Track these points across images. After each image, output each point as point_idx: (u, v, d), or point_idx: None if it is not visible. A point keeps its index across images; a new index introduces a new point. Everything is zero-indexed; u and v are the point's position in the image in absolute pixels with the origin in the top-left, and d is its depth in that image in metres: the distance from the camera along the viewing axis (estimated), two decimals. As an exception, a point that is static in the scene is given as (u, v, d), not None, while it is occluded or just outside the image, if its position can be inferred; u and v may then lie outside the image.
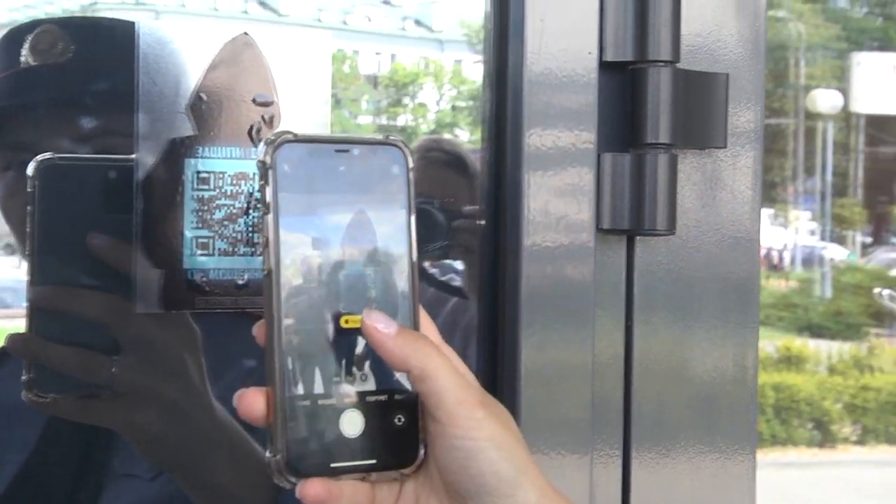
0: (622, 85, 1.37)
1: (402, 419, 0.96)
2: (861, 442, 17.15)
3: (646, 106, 1.35)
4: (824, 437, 17.19)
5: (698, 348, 1.44)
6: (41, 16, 1.41)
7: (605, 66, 1.37)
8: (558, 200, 1.36)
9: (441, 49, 19.32)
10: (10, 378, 1.37)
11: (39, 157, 1.28)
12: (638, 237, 1.40)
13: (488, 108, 1.43)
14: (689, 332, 1.44)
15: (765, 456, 16.34)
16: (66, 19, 1.44)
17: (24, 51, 1.42)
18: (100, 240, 1.30)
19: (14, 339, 1.30)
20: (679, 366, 1.44)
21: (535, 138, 1.35)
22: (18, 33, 1.45)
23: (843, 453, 16.95)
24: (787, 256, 34.05)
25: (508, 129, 1.37)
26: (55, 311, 1.30)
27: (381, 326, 0.95)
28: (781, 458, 16.24)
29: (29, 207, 1.29)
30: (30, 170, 1.27)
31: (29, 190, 1.28)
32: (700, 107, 1.39)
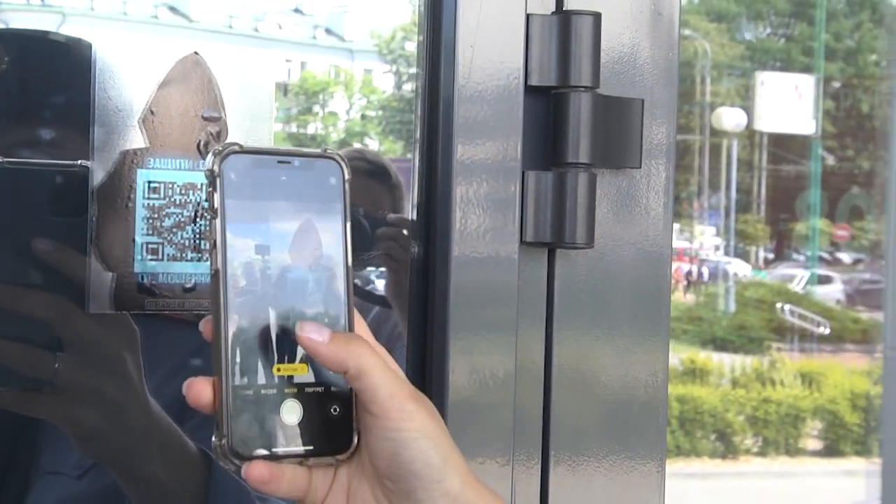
0: (546, 108, 1.40)
1: (338, 409, 0.99)
2: (762, 453, 17.16)
3: (567, 128, 1.38)
4: (727, 448, 17.17)
5: (613, 358, 1.46)
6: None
7: (529, 91, 1.39)
8: (485, 214, 1.38)
9: (352, 58, 18.92)
10: None
11: None
12: (559, 250, 1.42)
13: (421, 127, 1.44)
14: (605, 342, 1.46)
15: (669, 466, 16.26)
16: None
17: None
18: (46, 243, 1.30)
19: None
20: (595, 374, 1.46)
21: (464, 156, 1.37)
22: None
23: (745, 464, 16.95)
24: (695, 271, 33.96)
25: (439, 147, 1.39)
26: (1, 309, 1.31)
27: (314, 336, 0.97)
28: (685, 469, 16.21)
29: None
30: None
31: None
32: (617, 129, 1.42)
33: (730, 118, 33.28)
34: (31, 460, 1.59)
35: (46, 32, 1.50)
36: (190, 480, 1.44)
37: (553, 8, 1.41)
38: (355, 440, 0.99)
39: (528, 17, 1.40)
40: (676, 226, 35.74)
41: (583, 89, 1.39)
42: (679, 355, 20.58)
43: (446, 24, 1.39)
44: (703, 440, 17.03)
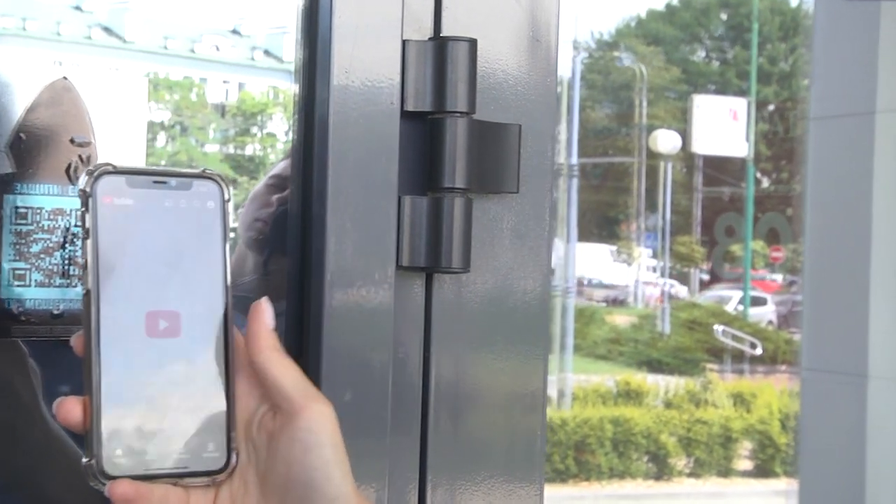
0: (422, 133, 1.40)
1: (213, 430, 0.98)
2: (694, 474, 17.23)
3: (443, 153, 1.38)
4: (660, 469, 17.24)
5: (491, 381, 1.47)
6: None
7: (406, 115, 1.39)
8: (361, 238, 1.38)
9: (291, 79, 18.87)
10: None
11: None
12: (436, 274, 1.42)
13: (296, 149, 1.45)
14: (483, 366, 1.47)
15: (602, 488, 16.39)
16: None
17: None
18: None
19: None
20: (473, 399, 1.46)
21: (340, 180, 1.37)
22: None
23: (678, 486, 17.00)
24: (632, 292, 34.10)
25: (315, 171, 1.39)
26: None
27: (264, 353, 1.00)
28: (619, 491, 16.26)
29: None
30: None
31: None
32: (494, 154, 1.42)
33: (666, 141, 33.47)
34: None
35: None
36: (94, 499, 1.42)
37: (430, 34, 1.42)
38: (233, 460, 0.99)
39: (404, 42, 1.39)
40: (614, 247, 36.00)
41: (459, 115, 1.39)
42: (615, 377, 20.65)
43: (322, 48, 1.39)
44: (636, 462, 17.08)
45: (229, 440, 0.99)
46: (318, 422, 1.00)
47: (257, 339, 1.01)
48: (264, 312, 1.01)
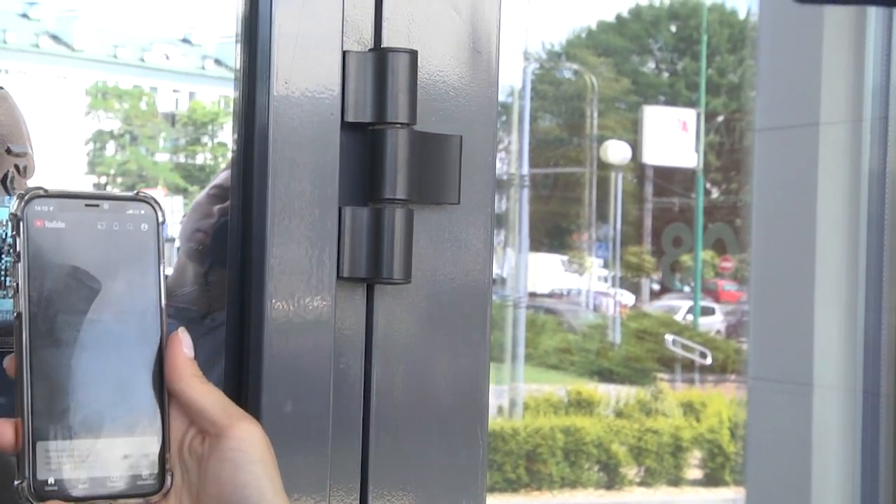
0: (363, 144, 1.40)
1: (151, 447, 0.98)
2: (645, 483, 17.32)
3: (384, 164, 1.39)
4: (611, 478, 17.31)
5: (433, 390, 1.47)
6: None
7: (346, 127, 1.39)
8: (301, 249, 1.38)
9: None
10: None
11: None
12: (377, 285, 1.42)
13: (238, 161, 1.44)
14: (425, 375, 1.47)
15: (553, 497, 16.43)
16: None
17: None
18: None
19: None
20: (414, 407, 1.46)
21: (281, 191, 1.36)
22: None
23: (629, 494, 17.08)
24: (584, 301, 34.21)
25: (255, 182, 1.38)
26: None
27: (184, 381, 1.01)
28: (570, 500, 16.31)
29: None
30: None
31: None
32: (435, 165, 1.42)
33: (616, 151, 33.59)
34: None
35: None
36: None
37: (370, 45, 1.42)
38: (168, 482, 0.99)
39: (344, 53, 1.40)
40: (566, 257, 36.06)
41: (399, 126, 1.39)
42: (566, 386, 20.70)
43: (262, 57, 1.39)
44: (587, 471, 17.14)
45: (163, 462, 0.99)
46: (245, 440, 1.01)
47: (176, 367, 1.01)
48: (182, 342, 1.01)
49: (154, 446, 0.99)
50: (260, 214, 1.38)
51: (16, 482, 0.94)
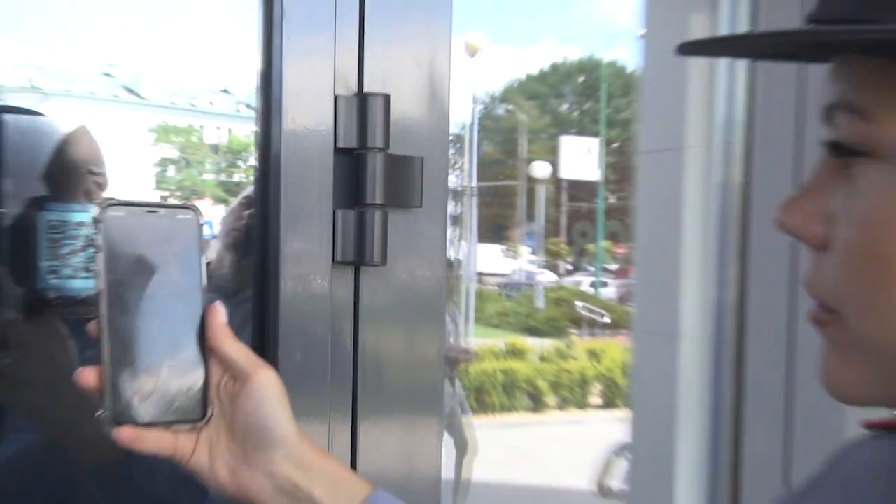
0: (351, 163, 1.39)
1: (196, 387, 0.98)
2: (560, 408, 17.47)
3: (366, 178, 1.38)
4: (536, 405, 17.40)
5: (404, 346, 1.47)
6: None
7: (338, 151, 1.38)
8: (305, 241, 1.38)
9: None
10: None
11: None
12: (362, 267, 1.41)
13: (261, 178, 1.44)
14: (398, 335, 1.46)
15: (495, 419, 16.49)
16: None
17: None
18: None
19: None
20: (391, 359, 1.45)
21: (290, 199, 1.36)
22: None
23: (549, 416, 17.19)
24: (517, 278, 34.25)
25: (272, 194, 1.38)
26: None
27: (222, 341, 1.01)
28: (507, 421, 16.39)
29: None
30: None
31: None
32: (403, 179, 1.41)
33: (541, 169, 33.75)
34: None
35: None
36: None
37: (355, 91, 1.40)
38: (210, 411, 0.99)
39: (336, 97, 1.39)
40: (504, 246, 36.11)
41: (377, 150, 1.39)
42: (504, 339, 20.79)
43: (275, 102, 1.38)
44: (520, 399, 17.23)
45: (205, 398, 0.99)
46: (264, 383, 1.01)
47: (214, 329, 1.01)
48: (218, 312, 1.01)
49: (198, 386, 0.99)
50: (275, 217, 1.37)
51: (98, 413, 0.93)
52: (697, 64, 2.17)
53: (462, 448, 8.36)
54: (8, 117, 1.36)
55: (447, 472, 8.17)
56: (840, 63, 0.69)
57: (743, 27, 1.80)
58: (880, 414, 0.80)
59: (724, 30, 1.82)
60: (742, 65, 1.85)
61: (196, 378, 0.99)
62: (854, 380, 0.70)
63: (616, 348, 19.42)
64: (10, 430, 1.44)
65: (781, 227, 0.72)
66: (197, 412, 0.98)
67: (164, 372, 0.98)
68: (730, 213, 1.80)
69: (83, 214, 1.33)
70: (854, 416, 0.85)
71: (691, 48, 0.74)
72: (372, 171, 1.39)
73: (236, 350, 1.01)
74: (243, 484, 1.00)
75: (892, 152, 0.65)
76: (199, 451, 0.99)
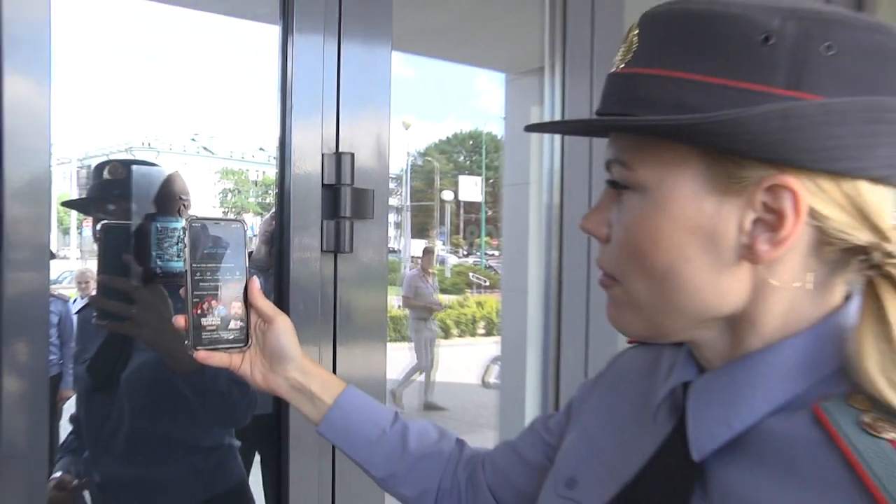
0: (331, 193, 1.37)
1: (242, 326, 0.96)
2: (460, 336, 17.39)
3: (340, 201, 1.36)
4: (446, 334, 17.27)
5: (364, 300, 1.43)
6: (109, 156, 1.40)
7: (324, 186, 1.36)
8: (305, 238, 1.35)
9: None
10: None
11: (105, 222, 1.30)
12: (339, 254, 1.39)
13: (279, 202, 1.40)
14: (360, 292, 1.43)
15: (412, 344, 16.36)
16: (120, 160, 1.41)
17: (106, 172, 1.38)
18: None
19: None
20: (356, 307, 1.42)
21: (295, 215, 1.34)
22: (102, 164, 1.40)
23: (453, 341, 17.09)
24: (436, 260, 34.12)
25: (285, 211, 1.35)
26: (112, 287, 1.29)
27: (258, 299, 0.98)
28: (395, 348, 16.29)
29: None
30: (99, 229, 1.29)
31: (98, 238, 1.30)
32: (363, 202, 1.39)
33: (448, 195, 33.69)
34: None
35: (129, 161, 1.44)
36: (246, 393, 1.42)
37: (333, 150, 1.38)
38: (251, 341, 0.97)
39: (323, 155, 1.36)
40: (425, 241, 35.79)
41: (347, 185, 1.37)
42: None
43: (287, 155, 1.35)
44: (437, 331, 17.13)
45: (248, 332, 0.97)
46: (282, 324, 0.98)
47: (253, 292, 0.98)
48: (255, 281, 0.98)
49: (244, 326, 0.97)
50: (287, 224, 1.35)
51: (185, 342, 0.92)
52: (535, 135, 2.17)
53: (432, 361, 8.51)
54: (135, 166, 1.35)
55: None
56: (614, 137, 0.68)
57: (559, 116, 1.81)
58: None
59: (548, 117, 1.83)
60: (559, 136, 1.87)
61: (242, 321, 0.98)
62: (626, 321, 0.69)
63: (493, 301, 19.39)
64: (137, 349, 1.42)
65: (583, 229, 0.72)
66: (243, 342, 0.97)
67: (224, 318, 0.96)
68: (553, 220, 1.81)
69: (177, 223, 1.32)
70: (622, 338, 0.87)
71: (533, 127, 0.75)
72: (344, 197, 1.37)
73: (266, 304, 0.99)
74: (269, 383, 0.98)
75: (642, 188, 0.64)
76: (244, 365, 0.98)
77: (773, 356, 0.63)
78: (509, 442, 0.98)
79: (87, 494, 1.42)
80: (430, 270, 9.10)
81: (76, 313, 1.42)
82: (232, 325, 0.97)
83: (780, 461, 0.59)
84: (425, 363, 8.28)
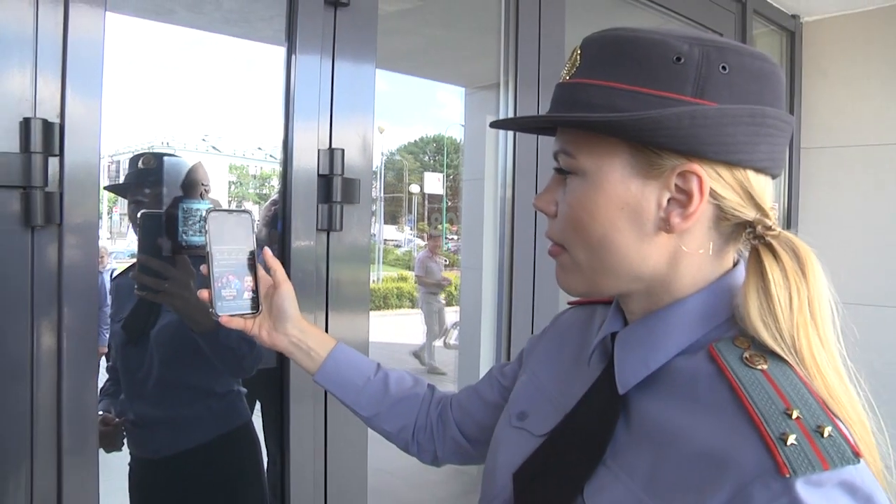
0: (325, 181, 1.36)
1: (253, 294, 0.95)
2: (398, 307, 17.35)
3: (332, 189, 1.35)
4: (413, 304, 17.04)
5: (351, 273, 1.40)
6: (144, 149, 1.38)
7: (320, 176, 1.35)
8: (303, 220, 1.33)
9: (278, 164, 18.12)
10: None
11: (144, 211, 1.30)
12: (331, 232, 1.38)
13: (283, 190, 1.38)
14: (347, 264, 1.40)
15: (392, 312, 16.13)
16: (153, 153, 1.39)
17: (140, 162, 1.36)
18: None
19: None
20: (345, 278, 1.40)
21: (295, 199, 1.33)
22: (137, 155, 1.37)
23: (418, 310, 17.07)
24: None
25: (285, 197, 1.33)
26: (147, 266, 1.28)
27: (272, 262, 0.99)
28: (398, 312, 16.01)
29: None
30: (140, 216, 1.29)
31: (138, 224, 1.29)
32: (350, 190, 1.38)
33: (415, 189, 33.50)
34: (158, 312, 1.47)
35: (165, 154, 1.41)
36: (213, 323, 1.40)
37: (328, 146, 1.37)
38: (261, 308, 0.97)
39: (318, 150, 1.36)
40: (395, 227, 35.56)
41: (338, 175, 1.35)
42: (398, 273, 20.51)
43: (289, 152, 1.34)
44: (405, 302, 16.83)
45: (258, 299, 0.97)
46: (286, 291, 0.98)
47: (268, 257, 0.98)
48: (268, 250, 0.99)
49: (254, 295, 0.96)
50: (289, 208, 1.34)
51: (209, 310, 0.92)
52: (490, 136, 2.18)
53: (441, 325, 8.51)
54: (166, 158, 1.34)
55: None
56: (561, 132, 0.69)
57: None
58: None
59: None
60: (511, 135, 1.88)
61: (254, 292, 0.97)
62: (570, 281, 0.70)
63: (453, 276, 19.40)
64: (164, 311, 1.40)
65: (535, 206, 0.73)
66: (255, 309, 0.96)
67: (239, 290, 0.96)
68: (506, 210, 1.83)
69: (199, 205, 1.31)
70: (564, 298, 0.86)
71: (497, 124, 0.76)
72: (336, 185, 1.37)
73: (279, 268, 0.99)
74: (273, 340, 0.98)
75: (582, 173, 0.66)
76: (255, 327, 0.97)
77: (681, 309, 0.66)
78: (471, 385, 1.01)
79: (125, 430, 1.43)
80: (438, 252, 9.06)
81: (112, 280, 1.40)
82: (246, 295, 0.97)
83: (685, 391, 0.62)
84: (439, 331, 8.32)
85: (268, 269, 1.00)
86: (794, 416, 0.54)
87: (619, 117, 0.61)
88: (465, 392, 1.01)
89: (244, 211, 0.99)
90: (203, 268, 0.94)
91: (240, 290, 0.96)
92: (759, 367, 0.59)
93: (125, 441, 1.39)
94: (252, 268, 0.98)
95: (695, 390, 0.61)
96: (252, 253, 0.99)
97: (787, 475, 0.51)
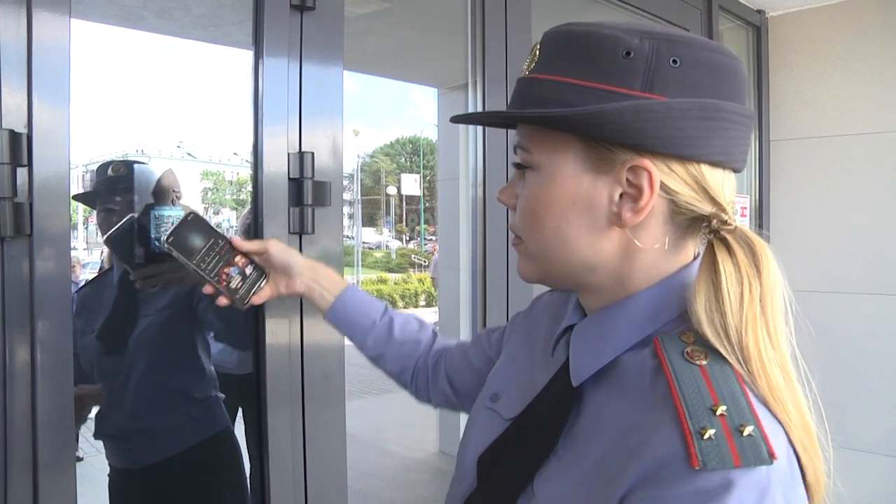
0: (297, 185, 1.35)
1: (251, 268, 1.00)
2: (405, 307, 17.27)
3: (303, 191, 1.35)
4: (393, 306, 17.13)
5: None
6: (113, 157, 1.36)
7: (290, 180, 1.34)
8: (276, 223, 1.33)
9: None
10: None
11: (105, 237, 1.30)
12: (303, 235, 1.37)
13: (254, 194, 1.37)
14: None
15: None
16: (122, 160, 1.39)
17: (110, 170, 1.35)
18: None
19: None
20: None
21: (268, 204, 1.32)
22: (105, 164, 1.36)
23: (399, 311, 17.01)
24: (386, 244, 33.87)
25: (258, 202, 1.33)
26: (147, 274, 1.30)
27: (244, 245, 1.03)
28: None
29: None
30: (104, 242, 1.30)
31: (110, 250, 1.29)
32: (321, 192, 1.38)
33: (392, 190, 33.43)
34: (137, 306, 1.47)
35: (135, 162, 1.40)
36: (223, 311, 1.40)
37: (297, 150, 1.36)
38: (266, 271, 1.03)
39: (288, 154, 1.35)
40: (374, 229, 35.47)
41: (309, 178, 1.36)
42: (377, 275, 20.50)
43: (258, 157, 1.34)
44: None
45: (257, 264, 1.01)
46: (275, 247, 1.06)
47: (238, 243, 1.03)
48: (236, 238, 1.03)
49: (252, 266, 1.01)
50: (261, 212, 1.33)
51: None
52: (463, 136, 2.18)
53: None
54: (136, 165, 1.33)
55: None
56: (519, 127, 0.69)
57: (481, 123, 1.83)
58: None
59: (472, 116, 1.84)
60: (481, 134, 1.87)
61: (250, 265, 1.02)
62: (527, 270, 0.71)
63: (427, 277, 19.48)
64: (142, 317, 1.40)
65: (498, 200, 0.74)
66: (262, 274, 1.01)
67: (239, 273, 0.99)
68: (478, 209, 1.83)
69: (171, 211, 1.31)
70: (539, 292, 0.88)
71: (458, 118, 0.77)
72: (307, 189, 1.37)
73: (252, 245, 1.05)
74: (291, 288, 1.05)
75: (537, 167, 0.66)
76: (275, 289, 1.05)
77: (633, 304, 0.66)
78: (464, 344, 1.06)
79: (101, 444, 1.42)
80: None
81: (76, 293, 1.39)
82: (247, 271, 1.00)
83: (630, 384, 0.62)
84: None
85: (247, 254, 1.04)
86: (719, 412, 0.54)
87: (564, 112, 0.61)
88: (458, 349, 1.06)
89: (187, 213, 1.00)
90: (206, 287, 0.98)
91: (240, 273, 1.00)
92: (698, 362, 0.58)
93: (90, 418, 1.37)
94: (232, 248, 1.00)
95: (638, 383, 0.61)
96: (223, 238, 1.01)
97: (697, 467, 0.52)
